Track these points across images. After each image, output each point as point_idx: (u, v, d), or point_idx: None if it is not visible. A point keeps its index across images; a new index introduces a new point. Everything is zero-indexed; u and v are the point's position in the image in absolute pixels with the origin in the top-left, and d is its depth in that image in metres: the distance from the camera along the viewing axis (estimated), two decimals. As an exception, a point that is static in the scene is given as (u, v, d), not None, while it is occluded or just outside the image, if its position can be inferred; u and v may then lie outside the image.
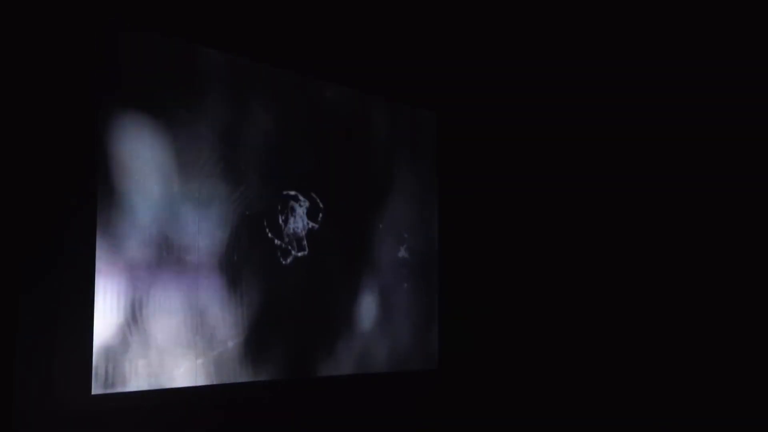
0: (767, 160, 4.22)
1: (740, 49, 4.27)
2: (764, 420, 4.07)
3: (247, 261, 3.88)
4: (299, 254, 4.09)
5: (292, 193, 4.03)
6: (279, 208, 4.05)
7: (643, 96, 4.60)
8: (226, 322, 3.77)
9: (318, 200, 4.19)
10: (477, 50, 4.87)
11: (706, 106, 4.35)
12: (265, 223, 3.98)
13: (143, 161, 3.48)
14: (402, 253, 4.72)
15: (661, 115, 4.55)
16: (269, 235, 3.99)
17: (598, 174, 4.77)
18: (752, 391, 4.16)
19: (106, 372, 3.30)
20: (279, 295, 4.02)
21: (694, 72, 4.39)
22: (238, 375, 3.81)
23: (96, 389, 3.27)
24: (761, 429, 4.07)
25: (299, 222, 4.09)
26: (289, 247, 4.06)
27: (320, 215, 4.20)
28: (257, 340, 3.90)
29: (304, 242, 4.13)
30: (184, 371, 3.60)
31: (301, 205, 4.10)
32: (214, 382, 3.71)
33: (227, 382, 3.76)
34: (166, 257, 3.55)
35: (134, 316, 3.42)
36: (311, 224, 4.15)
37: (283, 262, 4.06)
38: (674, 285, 4.48)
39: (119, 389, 3.34)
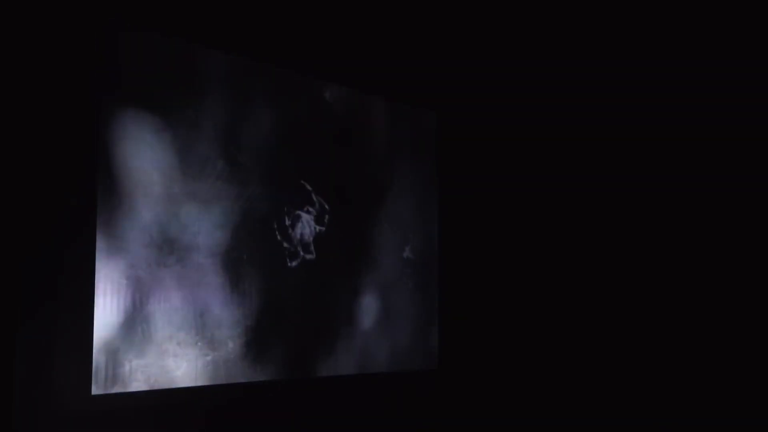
0: (767, 160, 4.22)
1: (740, 49, 4.27)
2: (764, 420, 4.07)
3: (248, 261, 3.88)
4: (307, 257, 4.10)
5: (304, 210, 4.04)
6: (285, 209, 4.06)
7: (643, 96, 4.60)
8: (226, 323, 3.77)
9: (324, 203, 4.19)
10: (477, 50, 4.87)
11: (706, 106, 4.35)
12: (275, 226, 3.98)
13: (143, 161, 3.48)
14: (407, 253, 4.73)
15: (661, 115, 4.55)
16: (278, 238, 4.00)
17: (599, 174, 4.77)
18: (752, 391, 4.16)
19: (106, 372, 3.30)
20: (280, 295, 4.02)
21: (694, 72, 4.39)
22: (239, 375, 3.81)
23: (96, 389, 3.27)
24: (761, 429, 4.07)
25: (306, 228, 4.09)
26: (298, 249, 4.07)
27: (326, 217, 4.20)
28: (258, 341, 3.90)
29: (312, 247, 4.14)
30: (184, 371, 3.60)
31: (308, 212, 4.11)
32: (215, 382, 3.71)
33: (227, 382, 3.76)
34: (166, 257, 3.55)
35: (134, 316, 3.42)
36: (318, 228, 4.16)
37: (290, 264, 4.06)
38: (674, 285, 4.48)
39: (119, 389, 3.34)
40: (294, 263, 4.08)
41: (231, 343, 3.79)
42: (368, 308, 4.49)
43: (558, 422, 4.69)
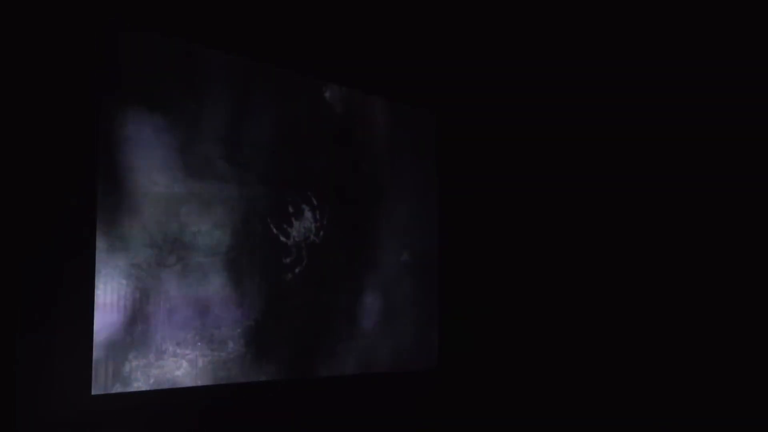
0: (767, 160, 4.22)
1: (740, 49, 4.27)
2: (764, 420, 4.07)
3: (249, 261, 3.88)
4: (297, 268, 4.08)
5: (306, 208, 4.04)
6: (289, 207, 4.06)
7: (643, 96, 4.60)
8: (226, 323, 3.77)
9: (325, 216, 4.18)
10: (477, 50, 4.87)
11: (706, 106, 4.35)
12: (269, 221, 3.98)
13: (143, 161, 3.48)
14: (405, 257, 4.72)
15: (661, 115, 4.55)
16: (275, 231, 3.99)
17: (599, 174, 4.77)
18: (752, 391, 4.16)
19: (106, 372, 3.30)
20: (280, 295, 4.02)
21: (694, 72, 4.39)
22: (239, 375, 3.81)
23: (96, 389, 3.27)
24: (762, 429, 4.07)
25: (301, 229, 4.08)
26: (292, 249, 4.06)
27: (321, 233, 4.19)
28: (258, 341, 3.90)
29: (303, 252, 4.12)
30: (184, 371, 3.60)
31: (311, 210, 4.10)
32: (215, 382, 3.71)
33: (227, 382, 3.76)
34: (166, 257, 3.55)
35: (134, 316, 3.42)
36: (313, 238, 4.15)
37: (284, 261, 4.06)
38: (674, 285, 4.48)
39: (119, 389, 3.34)
40: (287, 260, 4.06)
41: (231, 343, 3.79)
42: (369, 308, 4.49)
43: (558, 422, 4.69)
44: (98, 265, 3.29)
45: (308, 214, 4.17)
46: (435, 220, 4.92)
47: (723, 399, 4.21)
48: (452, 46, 4.78)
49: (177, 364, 3.58)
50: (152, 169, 3.51)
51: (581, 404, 4.69)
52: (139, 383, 3.43)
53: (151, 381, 3.47)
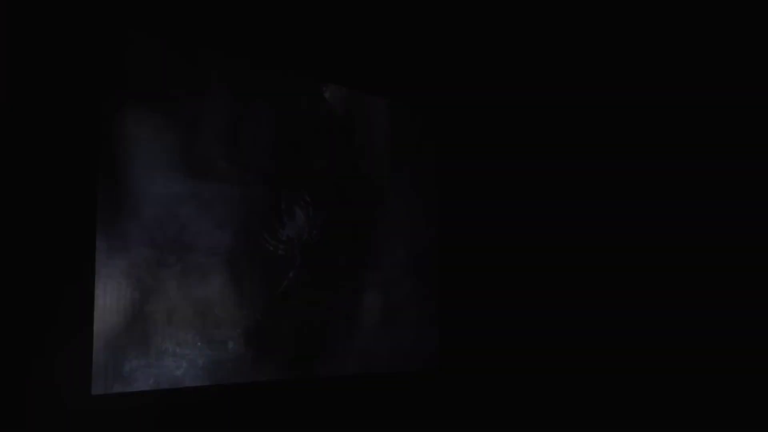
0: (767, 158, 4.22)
1: (740, 49, 4.27)
2: (764, 419, 4.08)
3: (249, 261, 3.88)
4: (290, 272, 4.06)
5: (299, 207, 4.03)
6: (282, 207, 4.05)
7: (643, 96, 4.60)
8: (226, 323, 3.77)
9: (319, 215, 4.18)
10: (477, 51, 4.87)
11: (706, 105, 4.35)
12: (261, 226, 3.98)
13: (144, 161, 3.48)
14: (404, 257, 4.72)
15: (661, 114, 4.55)
16: (265, 235, 3.98)
17: (599, 174, 4.77)
18: (752, 391, 4.16)
19: (106, 372, 3.30)
20: (280, 295, 4.02)
21: (693, 71, 4.39)
22: (239, 375, 3.81)
23: (96, 389, 3.27)
24: (761, 429, 4.07)
25: (294, 229, 4.07)
26: (280, 253, 4.05)
27: (315, 232, 4.18)
28: (258, 341, 3.90)
29: (297, 253, 4.11)
30: (184, 371, 3.60)
31: (303, 208, 4.09)
32: (215, 382, 3.71)
33: (227, 382, 3.76)
34: (166, 257, 3.55)
35: (134, 316, 3.42)
36: (306, 236, 4.13)
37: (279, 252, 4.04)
38: (675, 286, 4.48)
39: (119, 389, 3.35)
40: (279, 250, 4.04)
41: (231, 343, 3.79)
42: (368, 308, 4.49)
43: (558, 422, 4.69)
44: (98, 265, 3.29)
45: (300, 213, 4.16)
46: (435, 220, 4.92)
47: (723, 399, 4.21)
48: (452, 46, 4.78)
49: (177, 364, 3.58)
50: (152, 169, 3.52)
51: (580, 404, 4.69)
52: (139, 383, 3.43)
53: (151, 381, 3.47)
